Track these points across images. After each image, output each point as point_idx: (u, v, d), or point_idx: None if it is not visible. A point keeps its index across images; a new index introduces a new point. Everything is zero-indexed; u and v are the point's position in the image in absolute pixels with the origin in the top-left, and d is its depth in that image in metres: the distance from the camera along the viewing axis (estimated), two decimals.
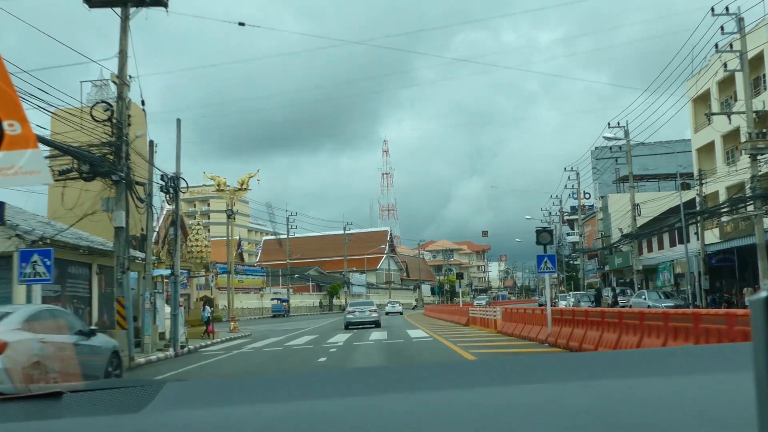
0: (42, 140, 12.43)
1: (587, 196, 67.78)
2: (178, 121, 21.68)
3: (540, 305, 57.51)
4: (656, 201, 44.91)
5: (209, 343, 25.94)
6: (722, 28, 26.56)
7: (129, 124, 16.32)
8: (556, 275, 78.81)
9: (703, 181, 32.98)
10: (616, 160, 45.09)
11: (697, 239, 35.68)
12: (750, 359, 0.74)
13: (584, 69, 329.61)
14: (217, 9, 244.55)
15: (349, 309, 33.51)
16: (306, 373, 1.77)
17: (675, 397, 1.11)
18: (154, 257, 26.08)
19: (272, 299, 73.35)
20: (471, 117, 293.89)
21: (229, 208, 34.10)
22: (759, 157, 26.46)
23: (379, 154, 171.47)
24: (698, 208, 33.00)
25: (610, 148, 42.20)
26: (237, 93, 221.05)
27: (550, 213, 73.47)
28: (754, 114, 27.80)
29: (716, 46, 27.20)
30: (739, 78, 35.19)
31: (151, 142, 20.46)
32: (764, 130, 28.29)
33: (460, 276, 43.36)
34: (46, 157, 14.26)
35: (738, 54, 26.76)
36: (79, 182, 16.22)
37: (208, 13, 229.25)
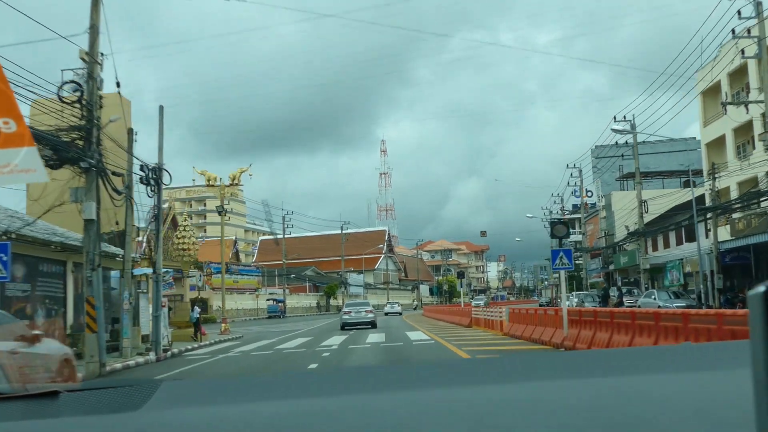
0: None
1: (589, 194, 66.36)
2: (161, 108, 20.19)
3: (540, 305, 56.37)
4: (664, 197, 43.53)
5: (196, 345, 24.44)
6: (739, 12, 25.18)
7: (100, 107, 14.80)
8: (557, 275, 77.87)
9: (716, 176, 31.41)
10: (622, 156, 43.59)
11: (706, 237, 34.27)
12: (747, 356, 0.73)
13: (583, 69, 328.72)
14: (216, 9, 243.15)
15: (345, 310, 33.00)
16: (303, 372, 1.82)
17: (671, 394, 1.10)
18: (144, 256, 24.67)
19: (268, 300, 71.89)
20: (469, 117, 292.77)
21: (221, 204, 32.62)
22: None
23: (377, 155, 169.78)
24: (711, 203, 31.50)
25: (617, 142, 40.71)
26: (235, 93, 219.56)
27: (551, 212, 72.10)
28: None
29: (733, 31, 25.75)
30: (752, 68, 33.83)
31: (131, 130, 18.96)
32: None
33: (461, 275, 41.83)
34: None
35: (756, 40, 25.32)
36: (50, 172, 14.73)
37: (206, 12, 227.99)
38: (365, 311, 31.60)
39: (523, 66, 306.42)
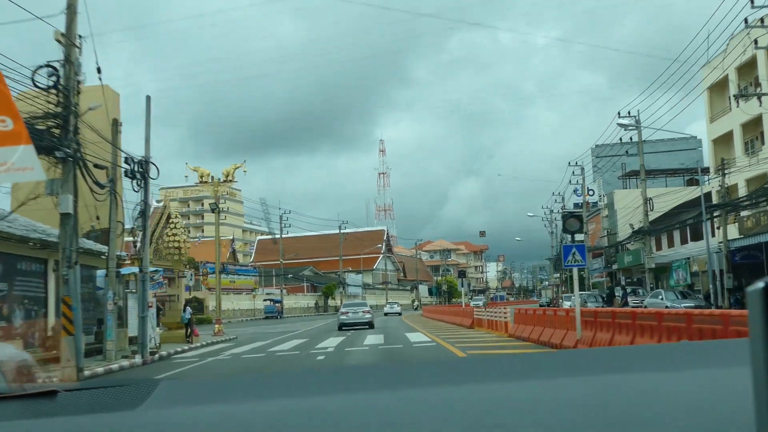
0: None
1: (591, 193, 65.46)
2: (148, 98, 19.17)
3: (540, 305, 55.43)
4: (669, 195, 42.59)
5: (186, 348, 23.42)
6: (752, 0, 24.22)
7: (78, 92, 13.79)
8: (558, 275, 76.83)
9: (726, 172, 30.43)
10: (627, 152, 42.60)
11: (713, 235, 33.32)
12: (744, 354, 0.74)
13: (581, 69, 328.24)
14: (215, 9, 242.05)
15: (343, 310, 33.09)
16: (301, 371, 1.54)
17: (669, 392, 1.10)
18: (136, 256, 23.61)
19: (265, 300, 70.86)
20: (468, 117, 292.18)
21: (215, 201, 31.60)
22: None
23: (375, 155, 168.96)
24: (720, 200, 30.53)
25: (620, 139, 39.66)
26: (233, 93, 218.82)
27: (551, 211, 71.20)
28: None
29: (746, 20, 24.80)
30: (762, 61, 32.90)
31: (115, 121, 17.95)
32: None
33: (462, 274, 40.83)
34: None
35: None
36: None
37: (204, 12, 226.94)
38: (362, 312, 31.64)
39: (522, 66, 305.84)
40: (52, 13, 13.77)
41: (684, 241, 41.69)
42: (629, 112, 37.24)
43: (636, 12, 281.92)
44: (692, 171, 60.38)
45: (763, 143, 34.83)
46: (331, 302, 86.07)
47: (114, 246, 17.85)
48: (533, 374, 1.30)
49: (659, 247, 44.75)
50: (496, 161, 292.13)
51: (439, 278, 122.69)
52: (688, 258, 38.98)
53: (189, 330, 26.87)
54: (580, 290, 57.13)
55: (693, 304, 26.22)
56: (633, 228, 42.41)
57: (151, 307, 19.64)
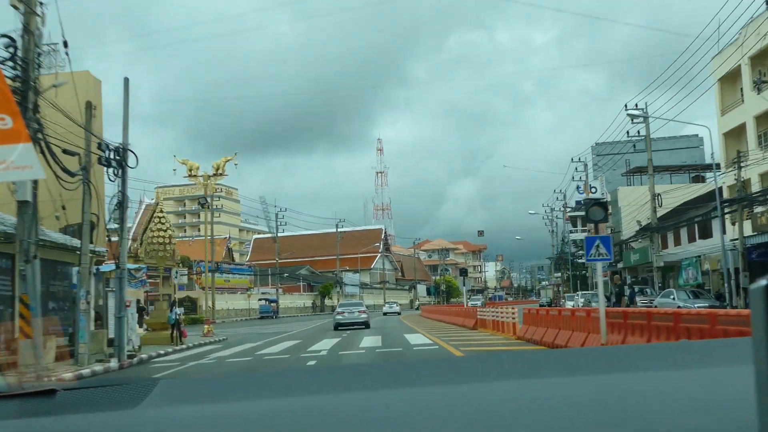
0: None
1: (593, 190, 64.05)
2: (126, 80, 17.66)
3: (541, 305, 53.95)
4: (677, 191, 41.14)
5: (171, 350, 21.91)
6: None
7: (39, 66, 12.29)
8: (559, 274, 75.36)
9: (741, 165, 28.96)
10: (635, 146, 41.19)
11: (724, 233, 31.88)
12: (745, 353, 0.75)
13: (581, 69, 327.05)
14: (213, 9, 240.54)
15: (338, 310, 33.15)
16: (299, 370, 1.63)
17: (668, 391, 1.10)
18: (130, 254, 22.14)
19: (260, 300, 69.37)
20: (466, 117, 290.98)
21: (204, 196, 30.11)
22: None
23: (373, 154, 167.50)
24: (736, 194, 29.07)
25: (627, 132, 38.15)
26: (230, 93, 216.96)
27: (552, 209, 69.86)
28: None
29: (767, 2, 23.40)
30: None
31: (89, 103, 16.41)
32: None
33: (464, 273, 39.35)
34: None
35: None
36: None
37: (202, 12, 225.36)
38: (358, 311, 31.73)
39: (520, 66, 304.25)
40: None
41: (692, 239, 40.24)
42: (636, 105, 35.84)
43: (636, 12, 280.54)
44: (698, 167, 59.17)
45: None
46: (328, 302, 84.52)
47: (87, 240, 16.33)
48: (533, 373, 1.29)
49: (665, 246, 43.29)
50: (495, 161, 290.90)
51: (438, 278, 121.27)
52: (699, 256, 37.49)
53: (176, 331, 25.41)
54: (583, 289, 55.31)
55: (707, 304, 24.82)
56: (640, 224, 40.93)
57: (128, 306, 18.13)
